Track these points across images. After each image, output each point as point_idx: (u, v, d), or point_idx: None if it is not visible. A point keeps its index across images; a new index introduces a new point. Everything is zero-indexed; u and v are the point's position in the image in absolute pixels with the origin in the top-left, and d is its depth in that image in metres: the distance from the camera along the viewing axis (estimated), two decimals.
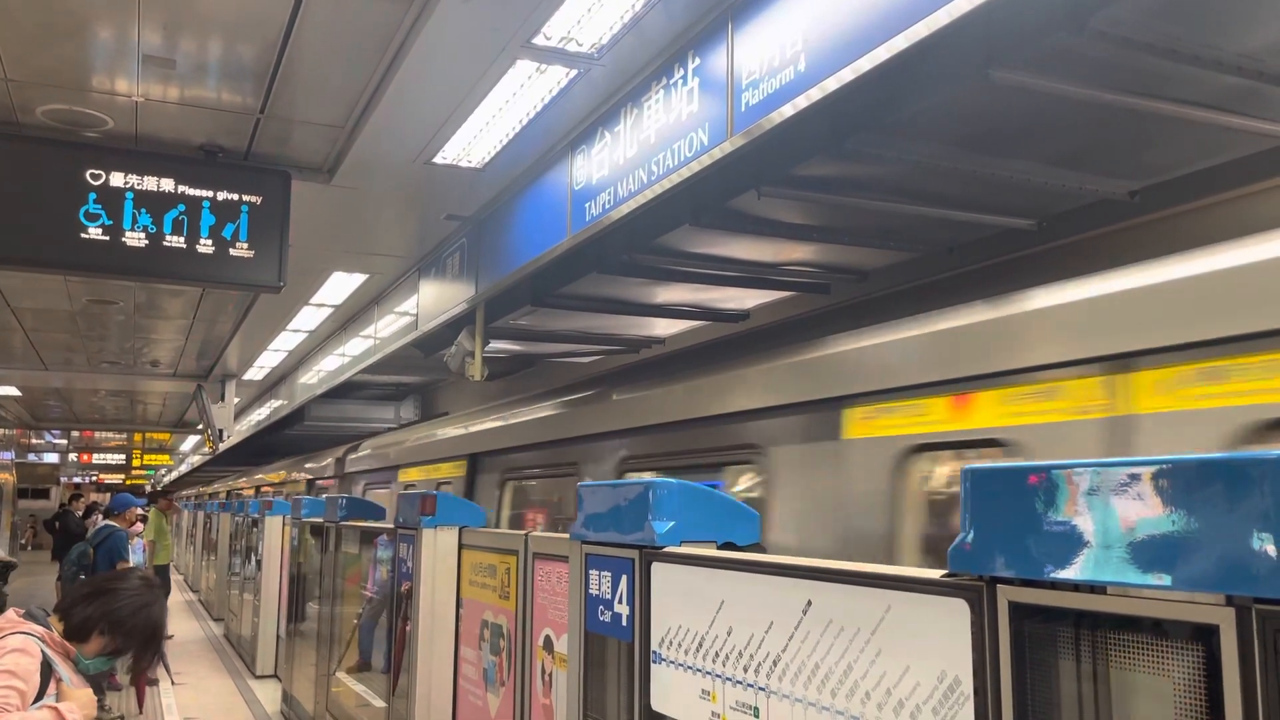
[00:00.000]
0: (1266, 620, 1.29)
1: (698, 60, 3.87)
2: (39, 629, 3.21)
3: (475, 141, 5.19)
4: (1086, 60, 2.94)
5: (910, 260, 5.08)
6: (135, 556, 10.87)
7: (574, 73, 4.36)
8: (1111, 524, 1.51)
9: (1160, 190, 3.92)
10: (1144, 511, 1.46)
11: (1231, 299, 2.51)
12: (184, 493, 35.21)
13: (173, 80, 4.79)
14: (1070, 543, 1.56)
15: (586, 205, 4.75)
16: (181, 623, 15.68)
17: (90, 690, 3.27)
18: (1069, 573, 1.56)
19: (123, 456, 36.23)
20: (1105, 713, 1.55)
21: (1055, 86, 3.03)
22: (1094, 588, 1.53)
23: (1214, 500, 1.37)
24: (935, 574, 1.86)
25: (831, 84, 3.11)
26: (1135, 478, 1.48)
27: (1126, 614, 1.49)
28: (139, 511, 10.90)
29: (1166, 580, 1.41)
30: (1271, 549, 1.28)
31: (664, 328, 7.10)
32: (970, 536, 1.74)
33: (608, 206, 4.52)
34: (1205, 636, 1.37)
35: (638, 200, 4.24)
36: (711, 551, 2.72)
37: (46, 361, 13.50)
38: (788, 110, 3.31)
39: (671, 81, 4.04)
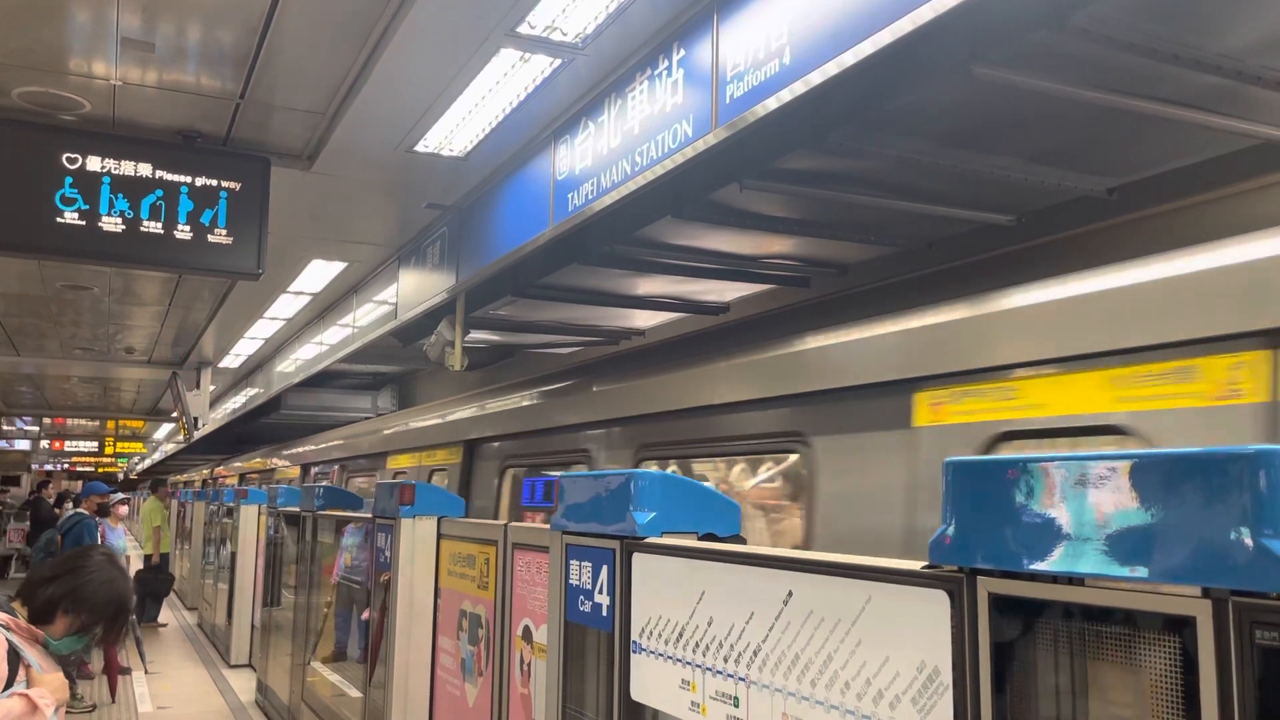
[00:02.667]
0: (1242, 612, 1.31)
1: (682, 52, 3.86)
2: (3, 616, 3.17)
3: (457, 130, 5.16)
4: (1068, 58, 2.97)
5: (890, 255, 5.11)
6: (119, 541, 10.77)
7: (558, 62, 4.35)
8: (1089, 516, 1.52)
9: (1138, 188, 3.96)
10: (1122, 504, 1.48)
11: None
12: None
13: (151, 64, 4.74)
14: (1049, 535, 1.58)
15: (569, 196, 4.75)
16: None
17: (61, 674, 3.23)
18: (1048, 564, 1.58)
19: (95, 444, 35.88)
20: (1083, 703, 1.57)
21: (1036, 83, 3.05)
22: (1072, 579, 1.55)
23: (1191, 493, 1.39)
24: (915, 565, 1.87)
25: (816, 78, 3.12)
26: (1114, 471, 1.50)
27: (1104, 605, 1.51)
28: (97, 501, 10.79)
29: (1144, 572, 1.43)
30: (1248, 541, 1.30)
31: (644, 319, 7.11)
32: (950, 529, 1.76)
33: (590, 197, 4.51)
34: (1182, 628, 1.39)
35: (620, 191, 4.24)
36: (692, 542, 2.73)
37: (18, 347, 13.35)
38: (772, 103, 3.31)
39: (656, 73, 4.03)
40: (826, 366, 3.79)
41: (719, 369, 4.47)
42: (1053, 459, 1.61)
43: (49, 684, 3.10)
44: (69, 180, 5.23)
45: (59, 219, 5.21)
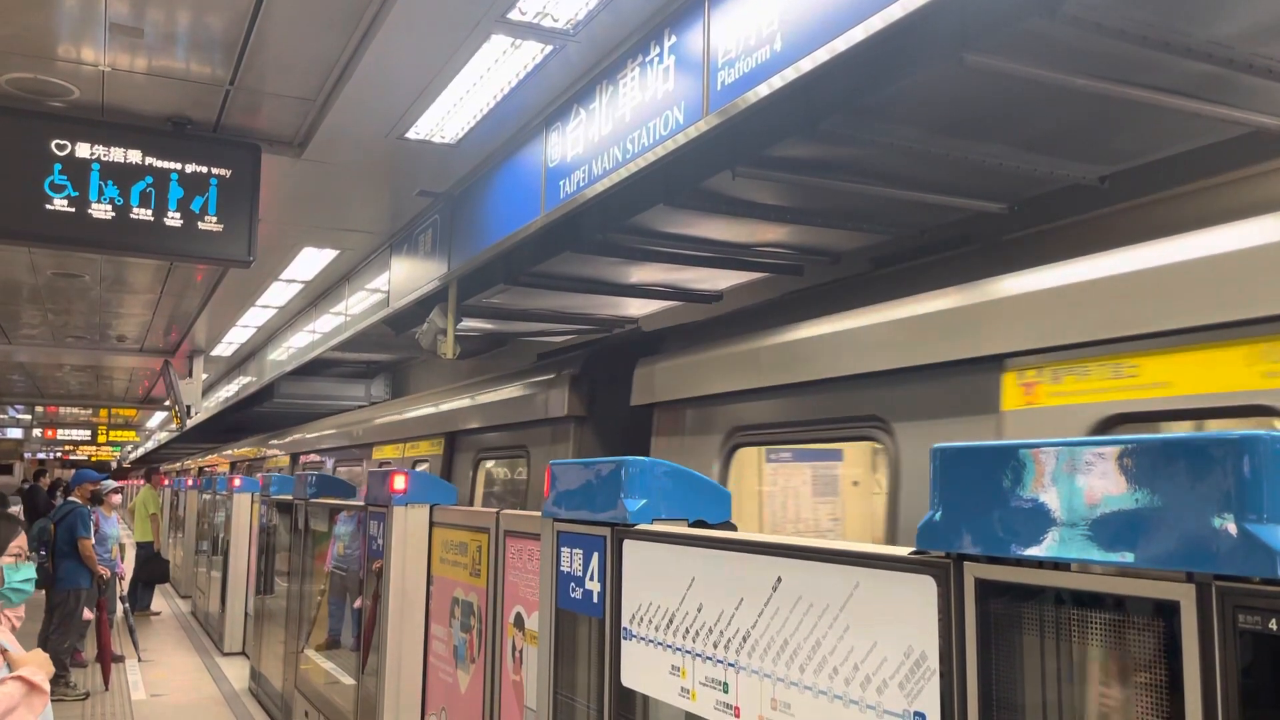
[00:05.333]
0: (1226, 596, 1.31)
1: (674, 38, 3.85)
2: None
3: (449, 117, 5.14)
4: (1059, 45, 2.96)
5: (883, 243, 5.11)
6: (113, 530, 10.77)
7: (549, 49, 4.33)
8: (1076, 502, 1.53)
9: (1130, 176, 3.96)
10: (1108, 490, 1.49)
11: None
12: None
13: (140, 50, 4.71)
14: (1036, 521, 1.59)
15: (561, 183, 4.73)
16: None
17: (40, 650, 3.26)
18: (1035, 550, 1.58)
19: (88, 432, 35.82)
20: (1069, 687, 1.58)
21: (1028, 71, 3.05)
22: (1059, 565, 1.56)
23: (1176, 479, 1.39)
24: (903, 551, 1.88)
25: (806, 64, 3.11)
26: (1100, 457, 1.50)
27: (1090, 590, 1.51)
28: (91, 488, 10.78)
29: (1129, 558, 1.44)
30: (1232, 527, 1.31)
31: (637, 308, 7.10)
32: (938, 514, 1.77)
33: (582, 184, 4.50)
34: (1167, 613, 1.40)
35: (612, 179, 4.23)
36: (683, 529, 2.73)
37: (10, 335, 13.29)
38: (763, 90, 3.31)
39: (647, 59, 4.02)
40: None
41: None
42: (1040, 445, 1.61)
43: (35, 660, 3.12)
44: (58, 167, 5.20)
45: (48, 206, 5.18)
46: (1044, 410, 2.75)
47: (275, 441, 14.98)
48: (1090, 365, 2.63)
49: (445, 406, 7.28)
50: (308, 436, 12.23)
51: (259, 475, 11.89)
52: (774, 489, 4.74)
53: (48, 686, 3.08)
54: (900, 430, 3.21)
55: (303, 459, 12.46)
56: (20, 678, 2.98)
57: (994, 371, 2.92)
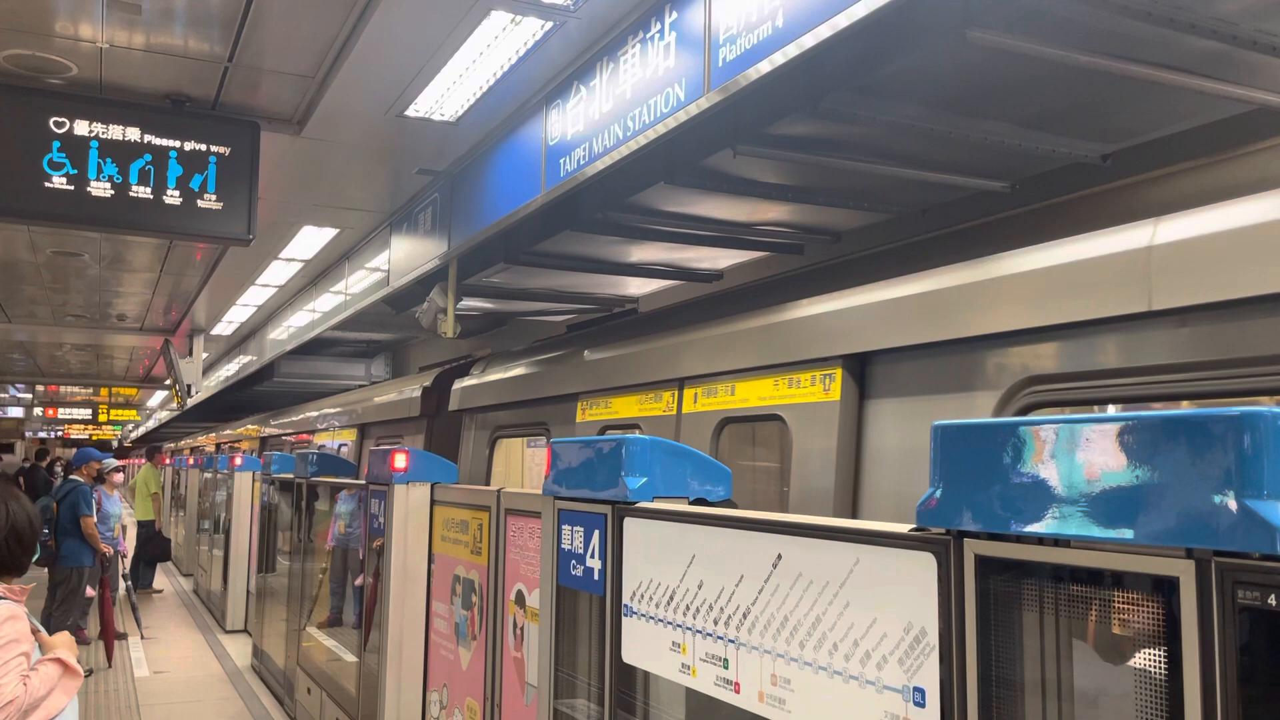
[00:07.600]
0: (1225, 572, 1.32)
1: (675, 14, 3.83)
2: (1, 588, 3.22)
3: (448, 94, 5.12)
4: (1062, 21, 2.95)
5: (884, 221, 5.10)
6: (115, 508, 10.81)
7: (549, 25, 4.30)
8: (1076, 479, 1.53)
9: (1132, 154, 3.95)
10: (1108, 467, 1.49)
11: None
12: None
13: (139, 26, 4.68)
14: (1036, 498, 1.59)
15: (561, 161, 4.72)
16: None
17: (66, 633, 3.32)
18: (1034, 527, 1.59)
19: (89, 411, 35.85)
20: (1068, 664, 1.59)
21: (1031, 47, 3.03)
22: (1058, 541, 1.57)
23: (1176, 456, 1.39)
24: (903, 528, 1.88)
25: (808, 40, 3.09)
26: (1100, 434, 1.50)
27: (1089, 566, 1.52)
28: (96, 466, 10.81)
29: (1129, 534, 1.44)
30: (1232, 503, 1.31)
31: (637, 287, 7.10)
32: (938, 491, 1.77)
33: (582, 163, 4.48)
34: (1166, 589, 1.40)
35: (612, 157, 4.21)
36: (683, 507, 2.74)
37: (10, 314, 13.28)
38: (765, 67, 3.28)
39: (648, 35, 4.00)
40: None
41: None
42: (1041, 423, 1.61)
43: (64, 642, 3.18)
44: (57, 144, 5.18)
45: (47, 184, 5.16)
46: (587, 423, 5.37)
47: (252, 426, 18.02)
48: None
49: (356, 406, 10.32)
50: (275, 422, 15.67)
51: (241, 453, 14.03)
52: (511, 455, 7.96)
53: (80, 669, 3.14)
54: (552, 429, 5.86)
55: (270, 441, 15.79)
56: (57, 659, 3.04)
57: (574, 401, 5.56)
